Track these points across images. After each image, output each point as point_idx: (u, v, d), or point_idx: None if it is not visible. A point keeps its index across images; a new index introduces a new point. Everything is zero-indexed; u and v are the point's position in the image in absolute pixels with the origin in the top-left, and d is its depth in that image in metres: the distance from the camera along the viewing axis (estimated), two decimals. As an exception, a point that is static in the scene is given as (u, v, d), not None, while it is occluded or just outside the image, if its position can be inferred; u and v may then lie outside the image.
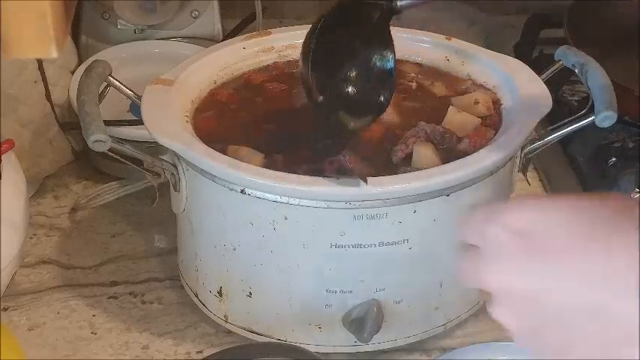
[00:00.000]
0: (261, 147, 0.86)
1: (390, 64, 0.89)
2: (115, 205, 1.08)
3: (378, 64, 0.89)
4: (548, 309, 0.57)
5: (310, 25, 0.88)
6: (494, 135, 0.88)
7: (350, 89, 0.89)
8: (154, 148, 0.90)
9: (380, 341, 0.87)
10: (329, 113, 0.86)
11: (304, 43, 0.87)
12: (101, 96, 0.88)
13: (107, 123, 0.84)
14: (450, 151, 0.87)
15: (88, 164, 1.13)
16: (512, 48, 1.31)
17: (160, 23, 1.24)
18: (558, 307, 0.57)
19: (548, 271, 0.57)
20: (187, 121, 0.87)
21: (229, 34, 1.26)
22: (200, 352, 0.89)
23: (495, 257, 0.59)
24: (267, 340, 0.87)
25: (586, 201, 0.60)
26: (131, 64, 1.17)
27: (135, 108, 1.05)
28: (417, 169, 0.83)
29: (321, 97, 0.86)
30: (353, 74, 0.89)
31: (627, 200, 0.59)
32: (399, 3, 0.85)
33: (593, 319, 0.55)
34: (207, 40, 1.24)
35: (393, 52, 0.88)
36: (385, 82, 0.89)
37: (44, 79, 1.05)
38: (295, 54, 0.99)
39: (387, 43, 0.88)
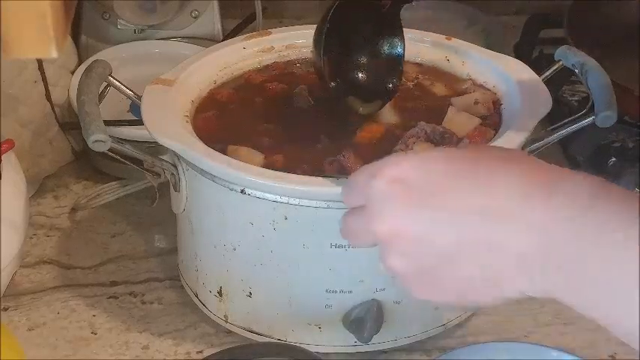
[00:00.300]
0: (261, 147, 0.86)
1: (400, 51, 0.91)
2: (115, 205, 1.08)
3: (387, 51, 0.91)
4: (437, 249, 0.59)
5: (311, 25, 0.88)
6: (494, 135, 0.88)
7: (360, 75, 0.90)
8: (154, 148, 0.90)
9: (380, 341, 0.87)
10: (340, 98, 0.88)
11: (317, 29, 0.87)
12: (101, 96, 0.88)
13: (107, 123, 0.84)
14: (450, 151, 0.87)
15: (88, 164, 1.13)
16: (512, 48, 1.31)
17: (160, 23, 1.24)
18: (447, 245, 0.59)
19: (434, 212, 0.59)
20: (187, 121, 0.87)
21: (229, 34, 1.26)
22: (200, 352, 0.89)
23: (382, 208, 0.60)
24: (267, 340, 0.87)
25: (462, 149, 0.67)
26: (131, 64, 1.17)
27: (135, 108, 1.05)
28: (417, 169, 0.83)
29: (332, 83, 0.87)
30: (364, 60, 0.91)
31: (499, 147, 0.64)
32: None
33: (479, 252, 0.58)
34: (207, 40, 1.24)
35: (403, 39, 0.90)
36: (394, 68, 0.91)
37: (44, 79, 1.05)
38: (295, 54, 1.00)
39: (397, 31, 0.90)
